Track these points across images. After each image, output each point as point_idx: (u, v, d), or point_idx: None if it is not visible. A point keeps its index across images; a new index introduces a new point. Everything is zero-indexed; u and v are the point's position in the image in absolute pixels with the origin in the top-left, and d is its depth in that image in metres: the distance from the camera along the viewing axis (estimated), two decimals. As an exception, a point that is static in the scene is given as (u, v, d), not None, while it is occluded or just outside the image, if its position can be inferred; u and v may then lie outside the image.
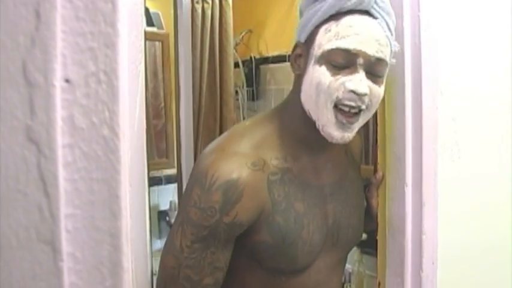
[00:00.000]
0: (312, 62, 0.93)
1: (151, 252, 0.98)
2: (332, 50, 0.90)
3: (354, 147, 1.18)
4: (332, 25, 0.91)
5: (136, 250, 0.75)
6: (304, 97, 0.96)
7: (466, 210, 1.12)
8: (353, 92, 0.89)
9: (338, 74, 0.90)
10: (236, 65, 2.79)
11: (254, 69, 2.81)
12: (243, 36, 2.86)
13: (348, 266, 2.16)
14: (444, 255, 1.07)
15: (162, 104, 2.46)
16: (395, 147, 1.07)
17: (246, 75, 2.84)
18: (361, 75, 0.90)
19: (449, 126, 1.08)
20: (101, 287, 0.64)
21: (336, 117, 0.92)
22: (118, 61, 0.63)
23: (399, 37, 1.04)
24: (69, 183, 0.62)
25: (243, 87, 2.84)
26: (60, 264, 0.61)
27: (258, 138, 0.98)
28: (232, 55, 2.64)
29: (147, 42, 2.37)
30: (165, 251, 0.95)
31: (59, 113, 0.61)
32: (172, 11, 2.33)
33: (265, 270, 1.01)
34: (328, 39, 0.91)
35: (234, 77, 2.67)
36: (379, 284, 1.13)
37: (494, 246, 1.17)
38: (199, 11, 2.41)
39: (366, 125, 1.97)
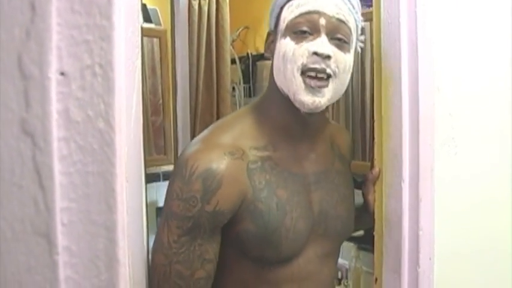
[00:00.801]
0: (279, 38, 0.98)
1: (149, 248, 0.98)
2: (294, 18, 0.95)
3: (341, 142, 1.20)
4: (294, 1, 0.96)
5: (134, 246, 0.75)
6: (275, 73, 1.00)
7: (463, 205, 1.12)
8: (316, 53, 0.92)
9: (301, 41, 0.94)
10: (233, 61, 2.80)
11: (251, 66, 2.83)
12: (239, 33, 2.87)
13: (345, 262, 2.17)
14: (441, 251, 1.06)
15: (161, 101, 2.45)
16: (391, 143, 1.07)
17: (242, 71, 2.85)
18: (323, 38, 0.94)
19: (446, 122, 1.08)
20: (96, 281, 0.64)
21: (305, 82, 0.94)
22: (113, 54, 0.63)
23: (396, 33, 1.05)
24: (65, 176, 0.62)
25: (239, 83, 2.85)
26: (55, 257, 0.61)
27: (237, 130, 1.01)
28: (229, 51, 2.65)
29: (145, 38, 2.37)
30: (154, 250, 0.95)
31: (54, 106, 0.61)
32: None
33: (252, 261, 1.01)
34: (290, 11, 0.96)
35: (231, 74, 2.68)
36: (376, 280, 1.13)
37: (492, 242, 1.17)
38: (196, 7, 2.43)
39: (363, 121, 2.01)
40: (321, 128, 1.10)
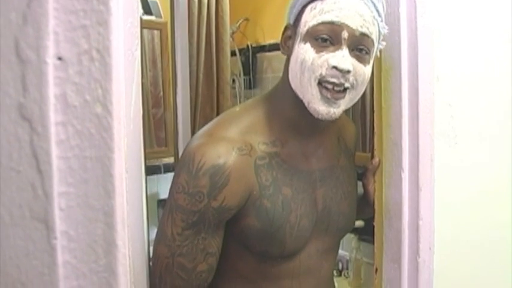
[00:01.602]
0: (298, 40, 0.94)
1: (149, 240, 0.98)
2: (317, 25, 0.91)
3: (347, 135, 1.19)
4: (317, 3, 0.92)
5: (134, 237, 0.75)
6: (291, 76, 0.97)
7: (463, 195, 1.12)
8: (335, 68, 0.89)
9: (322, 51, 0.91)
10: (233, 53, 2.80)
11: (251, 58, 2.81)
12: (239, 25, 2.86)
13: (345, 253, 2.18)
14: (441, 240, 1.06)
15: (161, 93, 2.45)
16: (391, 133, 1.07)
17: (242, 63, 2.84)
18: (344, 51, 0.90)
19: (446, 111, 1.08)
20: (94, 266, 0.64)
21: (321, 93, 0.92)
22: (111, 39, 0.63)
23: (395, 23, 1.04)
24: (63, 161, 0.62)
25: (239, 75, 2.85)
26: (53, 242, 0.61)
27: (246, 124, 0.99)
28: (228, 43, 2.64)
29: (145, 31, 2.36)
30: (157, 241, 0.95)
31: (52, 91, 0.60)
32: (170, -1, 2.32)
33: (255, 256, 1.01)
34: (313, 15, 0.92)
35: (231, 65, 2.67)
36: (376, 270, 1.13)
37: (492, 231, 1.17)
38: (196, -1, 2.43)
39: (364, 112, 2.01)
40: (329, 124, 1.07)
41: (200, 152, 0.91)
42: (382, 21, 0.96)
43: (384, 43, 1.00)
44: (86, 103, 0.62)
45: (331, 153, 1.10)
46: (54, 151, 0.61)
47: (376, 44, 0.95)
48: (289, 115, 1.01)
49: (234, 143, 0.94)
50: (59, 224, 0.61)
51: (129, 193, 0.70)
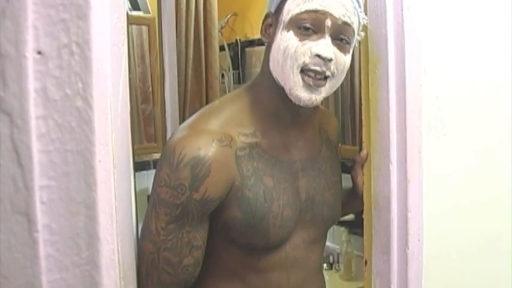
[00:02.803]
0: (281, 28, 0.95)
1: (138, 235, 0.98)
2: (300, 13, 0.92)
3: (329, 127, 1.19)
4: None
5: (122, 232, 0.76)
6: (272, 64, 0.98)
7: (451, 186, 1.12)
8: (318, 56, 0.91)
9: (305, 39, 0.92)
10: (222, 48, 2.80)
11: (240, 52, 2.82)
12: (228, 19, 2.86)
13: (336, 246, 2.19)
14: (430, 232, 1.07)
15: (150, 89, 2.46)
16: (379, 125, 1.07)
17: (231, 58, 2.85)
18: (327, 40, 0.92)
19: (433, 103, 1.08)
20: (77, 258, 0.64)
21: (303, 79, 0.93)
22: (90, 32, 0.63)
23: (382, 16, 1.04)
24: (44, 154, 0.62)
25: (228, 70, 2.85)
26: (35, 235, 0.61)
27: (226, 116, 0.99)
28: (217, 38, 2.64)
29: (134, 26, 2.36)
30: (142, 237, 0.95)
31: (32, 85, 0.61)
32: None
33: (240, 249, 1.02)
34: (296, 4, 0.93)
35: (220, 60, 2.68)
36: (366, 262, 1.13)
37: (481, 222, 1.17)
38: (184, -6, 2.43)
39: (353, 105, 2.01)
40: (310, 114, 1.10)
41: (180, 145, 0.92)
42: (361, 11, 0.98)
43: (362, 33, 1.02)
44: (66, 97, 0.63)
45: (313, 144, 1.11)
46: (35, 145, 0.61)
47: (356, 33, 0.98)
48: (269, 105, 1.02)
49: (214, 134, 0.94)
50: (41, 217, 0.62)
51: (117, 188, 0.71)
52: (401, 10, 1.03)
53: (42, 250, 0.62)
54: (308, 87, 0.93)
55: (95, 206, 0.64)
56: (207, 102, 2.50)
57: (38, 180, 0.61)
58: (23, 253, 0.61)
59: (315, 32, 0.92)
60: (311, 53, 0.91)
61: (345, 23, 0.93)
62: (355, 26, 0.96)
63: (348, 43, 0.96)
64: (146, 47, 2.42)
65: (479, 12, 1.16)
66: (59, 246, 0.63)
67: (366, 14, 1.04)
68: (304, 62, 0.92)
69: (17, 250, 0.61)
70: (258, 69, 1.08)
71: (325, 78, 0.94)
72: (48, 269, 0.62)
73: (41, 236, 0.62)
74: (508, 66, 1.21)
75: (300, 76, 0.93)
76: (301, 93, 0.93)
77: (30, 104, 0.61)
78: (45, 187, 0.62)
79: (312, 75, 0.92)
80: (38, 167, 0.61)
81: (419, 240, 1.06)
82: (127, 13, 0.96)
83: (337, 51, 0.93)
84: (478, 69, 1.16)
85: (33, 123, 0.61)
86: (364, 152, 1.11)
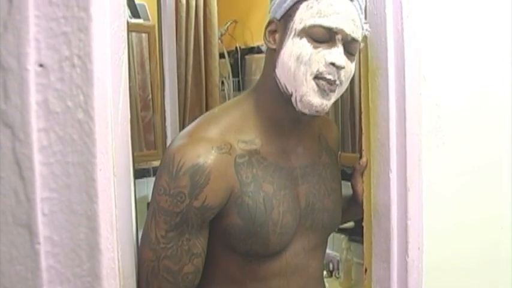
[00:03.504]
0: (292, 35, 0.95)
1: (138, 243, 0.98)
2: (314, 25, 0.93)
3: (329, 134, 1.20)
4: (314, 2, 0.94)
5: (122, 240, 0.76)
6: (280, 70, 0.98)
7: (451, 194, 1.13)
8: (333, 64, 0.92)
9: (319, 47, 0.93)
10: (221, 55, 2.80)
11: (239, 60, 2.82)
12: (228, 27, 2.87)
13: (336, 254, 2.19)
14: (430, 240, 1.07)
15: (150, 96, 2.46)
16: (379, 133, 1.08)
17: (231, 65, 2.85)
18: (340, 49, 0.94)
19: (433, 111, 1.09)
20: (78, 270, 0.64)
21: (318, 85, 0.94)
22: (92, 45, 0.64)
23: (382, 24, 1.05)
24: (45, 166, 0.62)
25: (228, 77, 2.85)
26: (37, 247, 0.62)
27: (225, 123, 1.00)
28: (217, 45, 2.65)
29: (133, 34, 2.36)
30: (142, 245, 0.95)
31: (33, 97, 0.61)
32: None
33: (240, 256, 1.01)
34: (310, 15, 0.93)
35: (220, 68, 2.68)
36: (366, 270, 1.13)
37: (480, 230, 1.18)
38: (184, 1, 2.42)
39: (353, 113, 2.01)
40: (310, 122, 1.10)
41: (180, 153, 0.92)
42: (366, 23, 0.99)
43: (362, 44, 1.03)
44: (67, 109, 0.63)
45: (312, 151, 1.11)
46: (37, 157, 0.61)
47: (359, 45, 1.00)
48: (270, 111, 1.02)
49: (213, 142, 0.94)
50: (42, 229, 0.62)
51: (118, 196, 0.71)
52: (401, 18, 1.04)
53: (44, 262, 0.62)
54: (322, 92, 0.94)
55: (96, 217, 0.64)
56: (206, 110, 2.50)
57: (40, 192, 0.62)
58: (25, 265, 0.61)
59: (327, 42, 0.94)
60: (325, 61, 0.93)
61: (353, 39, 0.95)
62: (360, 39, 0.98)
63: (354, 54, 0.98)
64: (146, 54, 2.43)
65: (479, 20, 1.17)
66: (61, 258, 0.63)
67: (365, 21, 1.05)
68: (318, 70, 0.93)
69: (18, 262, 0.61)
70: (258, 77, 1.08)
71: (336, 85, 0.95)
72: (49, 280, 0.63)
73: (43, 248, 0.62)
74: (508, 74, 1.21)
75: (313, 82, 0.94)
76: (314, 98, 0.94)
77: (31, 117, 0.61)
78: (47, 199, 0.62)
79: (325, 83, 0.94)
80: (39, 179, 0.62)
81: (419, 248, 1.06)
82: (127, 21, 0.97)
83: (347, 60, 0.96)
84: (478, 76, 1.17)
85: (35, 136, 0.61)
86: (363, 159, 1.12)
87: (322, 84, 0.94)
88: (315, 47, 0.93)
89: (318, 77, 0.93)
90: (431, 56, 1.08)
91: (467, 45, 1.15)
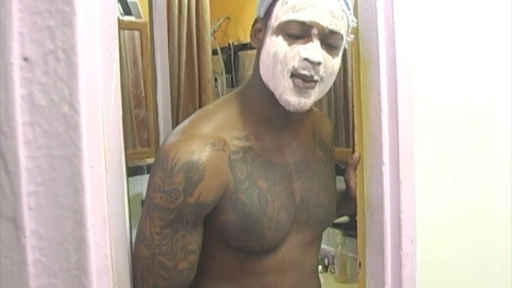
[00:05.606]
0: (269, 33, 0.96)
1: (132, 240, 0.98)
2: (288, 21, 0.92)
3: (323, 129, 1.20)
4: None
5: (116, 237, 0.76)
6: (262, 69, 0.98)
7: (444, 187, 1.13)
8: (307, 60, 0.91)
9: (294, 43, 0.93)
10: (214, 52, 2.80)
11: (233, 56, 2.83)
12: (220, 23, 2.87)
13: (331, 248, 2.19)
14: (423, 233, 1.07)
15: (143, 93, 2.46)
16: (371, 127, 1.08)
17: (224, 62, 2.86)
18: (315, 44, 0.92)
19: (425, 105, 1.08)
20: (65, 263, 0.64)
21: (294, 82, 0.93)
22: (76, 39, 0.64)
23: (373, 18, 1.05)
24: (31, 160, 0.62)
25: (221, 74, 2.86)
26: (23, 240, 0.62)
27: (219, 120, 1.00)
28: (210, 42, 2.65)
29: (126, 31, 2.36)
30: (137, 242, 0.96)
31: (18, 91, 0.61)
32: (149, 0, 2.33)
33: (236, 252, 1.02)
34: (285, 11, 0.93)
35: (213, 64, 2.69)
36: (360, 264, 1.13)
37: (474, 223, 1.18)
38: (176, -2, 2.43)
39: (346, 107, 2.01)
40: (303, 117, 1.10)
41: (174, 150, 0.92)
42: (351, 14, 0.98)
43: (352, 36, 1.02)
44: (52, 103, 0.63)
45: (306, 146, 1.11)
46: (22, 151, 0.61)
47: (345, 37, 0.97)
48: (261, 109, 1.02)
49: (207, 139, 0.95)
50: (28, 223, 0.62)
51: (110, 193, 0.71)
52: (392, 12, 1.04)
53: (30, 255, 0.62)
54: (298, 90, 0.93)
55: (83, 211, 0.64)
56: (200, 107, 2.51)
57: (25, 186, 0.62)
58: (11, 259, 0.61)
59: (303, 37, 0.93)
60: (300, 56, 0.92)
61: (332, 31, 0.93)
62: (344, 31, 0.96)
63: (336, 48, 0.96)
64: (138, 52, 2.43)
65: (470, 12, 1.17)
66: (47, 252, 0.63)
67: (356, 16, 1.04)
68: (293, 67, 0.92)
69: (4, 256, 0.61)
70: (251, 73, 1.09)
71: (315, 82, 0.94)
72: (36, 274, 0.63)
73: (29, 241, 0.62)
74: (500, 66, 1.21)
75: (290, 80, 0.93)
76: (290, 97, 0.94)
77: (16, 111, 0.61)
78: (33, 193, 0.62)
79: (300, 81, 0.93)
80: (25, 173, 0.62)
81: (412, 242, 1.06)
82: (118, 18, 0.97)
83: (326, 55, 0.94)
84: (470, 70, 1.17)
85: (20, 130, 0.61)
86: (356, 154, 1.12)
87: (297, 82, 0.93)
88: (290, 44, 0.92)
89: (294, 74, 0.93)
90: (422, 50, 1.08)
91: (458, 39, 1.14)
